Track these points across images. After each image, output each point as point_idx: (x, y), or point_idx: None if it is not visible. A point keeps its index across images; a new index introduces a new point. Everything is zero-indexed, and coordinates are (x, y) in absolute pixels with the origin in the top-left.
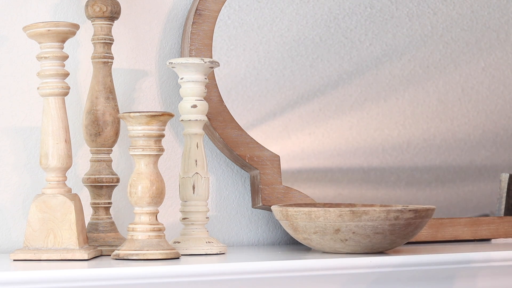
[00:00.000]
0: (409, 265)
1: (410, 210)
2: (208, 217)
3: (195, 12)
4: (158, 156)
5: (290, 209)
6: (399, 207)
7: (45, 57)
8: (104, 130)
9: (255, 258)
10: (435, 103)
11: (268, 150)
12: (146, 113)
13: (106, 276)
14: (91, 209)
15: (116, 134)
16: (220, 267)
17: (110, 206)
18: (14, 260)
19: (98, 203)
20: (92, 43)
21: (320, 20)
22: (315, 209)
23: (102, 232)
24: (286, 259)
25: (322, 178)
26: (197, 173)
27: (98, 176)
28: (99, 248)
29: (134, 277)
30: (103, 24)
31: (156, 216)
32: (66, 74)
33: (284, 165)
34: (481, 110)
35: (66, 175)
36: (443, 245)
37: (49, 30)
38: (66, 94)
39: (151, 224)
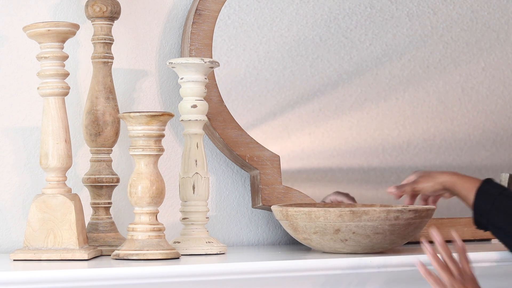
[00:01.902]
0: (409, 265)
1: (410, 210)
2: (208, 217)
3: (195, 12)
4: (158, 156)
5: (290, 209)
6: (399, 207)
7: (45, 57)
8: (104, 130)
9: (255, 258)
10: (435, 103)
11: (268, 150)
12: (146, 113)
13: (106, 276)
14: (91, 209)
15: (116, 134)
16: (220, 267)
17: (110, 206)
18: (14, 260)
19: (98, 203)
20: (92, 43)
21: (320, 20)
22: (315, 209)
23: (102, 232)
24: (286, 259)
25: (322, 178)
26: (197, 173)
27: (98, 176)
28: (99, 248)
29: (134, 277)
30: (103, 24)
31: (156, 216)
32: (66, 74)
33: (284, 165)
34: (481, 110)
35: (66, 175)
36: None
37: (49, 30)
38: (66, 94)
39: (151, 224)
